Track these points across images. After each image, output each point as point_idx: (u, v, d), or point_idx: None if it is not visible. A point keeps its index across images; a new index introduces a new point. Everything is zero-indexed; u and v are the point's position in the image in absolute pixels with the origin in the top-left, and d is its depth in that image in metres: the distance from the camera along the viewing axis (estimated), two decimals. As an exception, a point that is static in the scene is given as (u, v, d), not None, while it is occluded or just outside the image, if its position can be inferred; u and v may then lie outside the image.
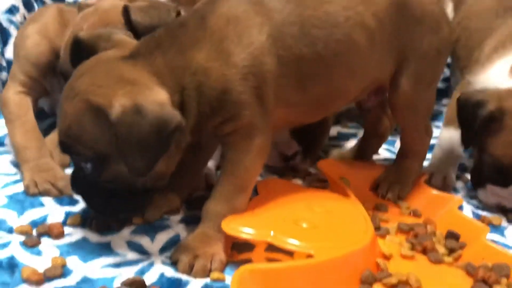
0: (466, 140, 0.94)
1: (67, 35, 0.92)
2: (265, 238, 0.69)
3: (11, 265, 0.68)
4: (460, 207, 0.90)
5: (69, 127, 0.67)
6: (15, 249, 0.71)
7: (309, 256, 0.67)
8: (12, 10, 1.14)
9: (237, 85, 0.69)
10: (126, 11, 0.84)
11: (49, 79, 0.99)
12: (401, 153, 0.95)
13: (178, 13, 0.82)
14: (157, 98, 0.65)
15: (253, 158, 0.73)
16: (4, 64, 1.11)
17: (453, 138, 1.03)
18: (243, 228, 0.70)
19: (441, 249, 0.78)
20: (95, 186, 0.70)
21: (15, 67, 0.99)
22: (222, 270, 0.69)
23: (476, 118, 0.90)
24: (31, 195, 0.84)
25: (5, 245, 0.72)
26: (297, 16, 0.73)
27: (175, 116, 0.65)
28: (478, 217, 0.92)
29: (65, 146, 0.69)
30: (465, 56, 1.18)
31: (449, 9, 1.30)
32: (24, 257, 0.69)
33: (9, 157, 0.96)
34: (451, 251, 0.77)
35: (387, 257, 0.74)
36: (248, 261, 0.73)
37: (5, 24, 1.13)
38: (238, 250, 0.75)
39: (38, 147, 0.91)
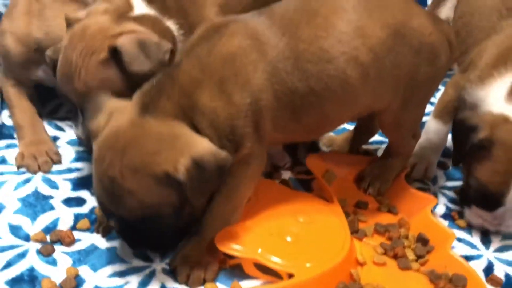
0: (456, 159, 0.98)
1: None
2: (253, 256, 0.78)
3: (32, 277, 0.77)
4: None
5: (141, 202, 0.70)
6: (33, 259, 0.79)
7: (291, 274, 0.76)
8: None
9: (241, 121, 0.73)
10: (115, 54, 0.81)
11: (35, 69, 1.04)
12: (386, 151, 1.00)
13: (172, 53, 0.81)
14: (204, 145, 0.70)
15: (248, 183, 0.80)
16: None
17: (440, 131, 1.07)
18: (233, 245, 0.78)
19: (410, 255, 0.86)
20: (144, 232, 0.74)
21: (3, 66, 1.06)
22: (214, 279, 0.78)
23: (468, 142, 0.92)
24: (17, 167, 0.96)
25: (23, 255, 0.80)
26: (292, 51, 0.75)
27: (225, 155, 0.70)
28: (450, 210, 1.00)
29: (139, 222, 0.72)
30: (462, 50, 1.15)
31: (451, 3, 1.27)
32: (42, 268, 0.78)
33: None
34: (419, 257, 0.86)
35: (361, 264, 0.85)
36: (238, 266, 0.82)
37: (1, 9, 1.13)
38: (229, 256, 0.82)
39: (32, 125, 1.03)
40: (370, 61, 0.78)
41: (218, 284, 0.78)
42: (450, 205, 1.01)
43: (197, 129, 0.72)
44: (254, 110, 0.74)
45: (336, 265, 0.79)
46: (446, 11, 1.33)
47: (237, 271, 0.81)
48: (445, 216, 0.98)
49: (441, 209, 1.00)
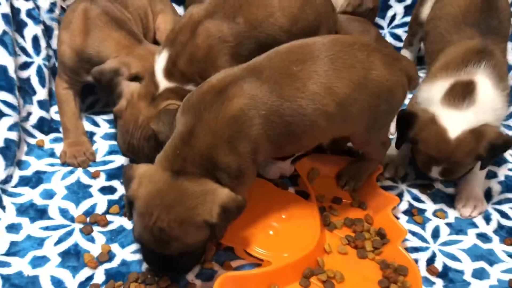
0: (397, 145, 1.20)
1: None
2: (242, 246, 1.01)
3: (76, 251, 1.01)
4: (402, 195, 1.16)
5: (185, 244, 0.88)
6: (77, 237, 1.04)
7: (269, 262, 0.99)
8: (52, 8, 1.32)
9: (245, 164, 0.92)
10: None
11: (84, 74, 1.24)
12: (362, 155, 1.19)
13: None
14: (226, 193, 0.89)
15: (244, 191, 0.98)
16: (51, 53, 1.33)
17: None
18: (228, 237, 0.99)
19: (369, 246, 1.06)
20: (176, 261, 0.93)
21: (59, 67, 1.25)
22: (211, 258, 1.02)
23: (406, 135, 1.14)
24: (62, 163, 1.19)
25: (70, 233, 1.05)
26: (278, 107, 0.92)
27: (241, 199, 0.91)
28: (411, 207, 1.18)
29: (177, 256, 0.91)
30: (429, 53, 1.32)
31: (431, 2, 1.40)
32: (84, 244, 1.03)
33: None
34: (375, 248, 1.06)
35: (327, 252, 1.06)
36: (229, 248, 1.04)
37: (48, 22, 1.32)
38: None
39: (75, 128, 1.24)
40: (338, 111, 0.95)
41: (213, 262, 1.01)
42: (413, 203, 1.20)
43: (218, 180, 0.91)
44: (253, 152, 0.93)
45: (306, 255, 1.00)
46: (426, 10, 1.44)
47: (228, 253, 1.03)
48: (406, 212, 1.17)
49: (404, 205, 1.19)
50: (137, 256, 1.01)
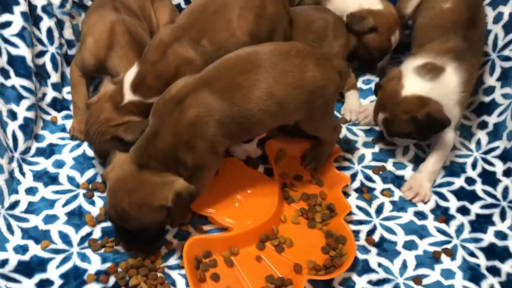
0: (375, 90, 1.43)
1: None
2: (213, 216, 1.22)
3: (80, 212, 1.24)
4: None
5: (143, 223, 1.07)
6: (81, 200, 1.27)
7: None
8: (63, 4, 1.49)
9: (202, 159, 1.12)
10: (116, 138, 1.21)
11: (98, 74, 1.43)
12: (320, 139, 1.35)
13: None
14: (181, 183, 1.08)
15: (210, 175, 1.20)
16: (63, 42, 1.52)
17: None
18: (201, 207, 1.22)
19: (318, 218, 1.26)
20: (137, 237, 1.12)
21: (77, 59, 1.42)
22: (188, 223, 1.23)
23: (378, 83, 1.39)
24: (70, 136, 1.39)
25: (75, 197, 1.27)
26: (229, 111, 1.09)
27: (193, 188, 1.10)
28: (362, 186, 1.35)
29: (137, 232, 1.09)
30: (415, 44, 1.49)
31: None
32: (86, 206, 1.25)
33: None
34: (323, 220, 1.25)
35: (282, 222, 1.25)
36: (205, 216, 1.25)
37: (60, 16, 1.50)
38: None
39: (84, 107, 1.38)
40: (279, 110, 1.13)
41: (189, 226, 1.23)
42: (365, 182, 1.37)
43: (178, 172, 1.10)
44: (211, 148, 1.12)
45: (262, 223, 1.20)
46: (409, 10, 1.59)
47: (202, 219, 1.24)
48: (357, 190, 1.35)
49: (357, 184, 1.36)
50: (128, 218, 1.24)
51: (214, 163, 1.19)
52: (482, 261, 1.19)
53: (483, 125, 1.48)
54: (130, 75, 1.23)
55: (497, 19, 1.49)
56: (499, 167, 1.39)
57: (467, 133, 1.50)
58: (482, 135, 1.47)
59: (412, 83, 1.32)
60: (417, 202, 1.33)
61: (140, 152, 1.10)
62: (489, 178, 1.38)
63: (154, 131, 1.10)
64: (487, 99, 1.49)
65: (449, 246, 1.22)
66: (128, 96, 1.23)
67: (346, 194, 1.33)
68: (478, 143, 1.46)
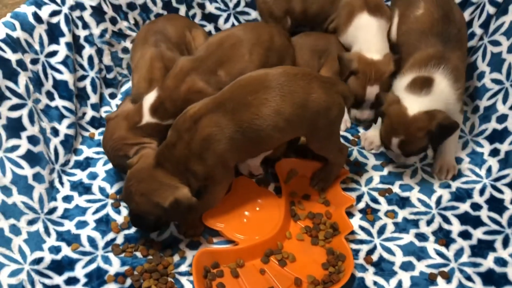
0: (375, 119, 1.49)
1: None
2: (221, 229, 1.31)
3: (107, 220, 1.37)
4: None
5: (140, 209, 1.21)
6: (109, 209, 1.40)
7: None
8: (103, 34, 1.66)
9: (214, 171, 1.23)
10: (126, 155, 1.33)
11: None
12: (328, 161, 1.42)
13: None
14: (184, 192, 1.20)
15: (222, 189, 1.31)
16: (102, 67, 1.69)
17: None
18: (211, 221, 1.32)
19: (321, 236, 1.32)
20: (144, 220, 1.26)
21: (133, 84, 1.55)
22: (200, 235, 1.33)
23: (378, 111, 1.44)
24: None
25: (104, 206, 1.41)
26: (239, 128, 1.20)
27: (195, 200, 1.22)
28: (367, 207, 1.40)
29: (137, 214, 1.24)
30: (403, 57, 1.54)
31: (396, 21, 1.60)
32: (112, 214, 1.39)
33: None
34: (326, 238, 1.31)
35: (287, 238, 1.33)
36: (216, 231, 1.35)
37: (99, 45, 1.67)
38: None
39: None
40: (286, 125, 1.22)
41: (201, 237, 1.33)
42: (370, 203, 1.42)
43: (188, 181, 1.23)
44: (221, 162, 1.23)
45: (267, 239, 1.28)
46: (393, 31, 1.62)
47: (212, 231, 1.33)
48: (361, 210, 1.40)
49: (362, 205, 1.41)
50: (149, 227, 1.36)
51: (224, 177, 1.29)
52: (478, 286, 1.21)
53: (495, 153, 1.50)
54: (150, 98, 1.36)
55: (511, 48, 1.51)
56: (507, 195, 1.40)
57: (479, 160, 1.52)
58: (493, 162, 1.49)
59: (412, 102, 1.37)
60: (450, 178, 1.47)
61: (160, 154, 1.23)
62: (496, 205, 1.39)
63: (173, 143, 1.22)
64: (499, 127, 1.51)
65: (446, 269, 1.25)
66: (147, 117, 1.35)
67: (351, 215, 1.39)
68: (489, 170, 1.48)
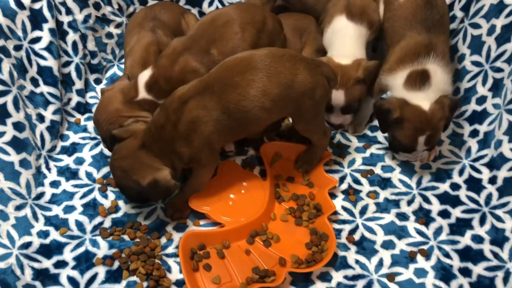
0: (382, 130, 1.47)
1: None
2: (207, 212, 1.33)
3: (94, 204, 1.38)
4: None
5: (121, 182, 1.25)
6: (96, 194, 1.41)
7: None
8: (86, 19, 1.64)
9: (199, 153, 1.24)
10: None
11: None
12: (312, 143, 1.44)
13: None
14: (164, 174, 1.22)
15: (208, 172, 1.32)
16: (86, 52, 1.67)
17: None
18: (198, 204, 1.33)
19: (305, 217, 1.35)
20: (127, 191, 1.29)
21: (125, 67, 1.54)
22: (187, 217, 1.35)
23: (387, 120, 1.41)
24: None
25: (91, 191, 1.42)
26: (226, 109, 1.21)
27: (173, 184, 1.23)
28: (349, 188, 1.43)
29: (122, 186, 1.28)
30: (388, 44, 1.55)
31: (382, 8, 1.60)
32: (100, 199, 1.40)
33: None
34: (310, 219, 1.34)
35: (272, 219, 1.35)
36: (203, 214, 1.37)
37: (83, 30, 1.65)
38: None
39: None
40: (272, 106, 1.23)
41: (188, 219, 1.35)
42: (352, 184, 1.44)
43: (173, 163, 1.24)
44: (207, 144, 1.24)
45: (253, 220, 1.31)
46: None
47: (198, 214, 1.35)
48: (344, 191, 1.43)
49: (344, 186, 1.44)
50: (135, 210, 1.37)
51: (210, 160, 1.30)
52: (455, 262, 1.25)
53: (474, 134, 1.53)
54: (145, 76, 1.37)
55: (490, 31, 1.53)
56: (485, 174, 1.44)
57: (459, 142, 1.55)
58: (472, 143, 1.52)
59: (419, 98, 1.38)
60: (431, 160, 1.50)
61: (147, 134, 1.25)
62: (474, 184, 1.43)
63: (161, 122, 1.23)
64: (479, 108, 1.53)
65: (425, 247, 1.29)
66: (143, 93, 1.36)
67: (334, 196, 1.41)
68: (469, 151, 1.51)
